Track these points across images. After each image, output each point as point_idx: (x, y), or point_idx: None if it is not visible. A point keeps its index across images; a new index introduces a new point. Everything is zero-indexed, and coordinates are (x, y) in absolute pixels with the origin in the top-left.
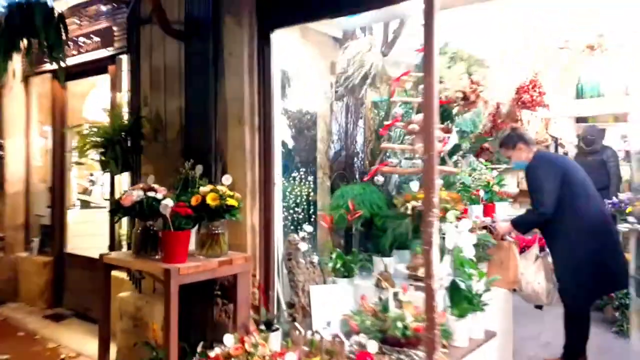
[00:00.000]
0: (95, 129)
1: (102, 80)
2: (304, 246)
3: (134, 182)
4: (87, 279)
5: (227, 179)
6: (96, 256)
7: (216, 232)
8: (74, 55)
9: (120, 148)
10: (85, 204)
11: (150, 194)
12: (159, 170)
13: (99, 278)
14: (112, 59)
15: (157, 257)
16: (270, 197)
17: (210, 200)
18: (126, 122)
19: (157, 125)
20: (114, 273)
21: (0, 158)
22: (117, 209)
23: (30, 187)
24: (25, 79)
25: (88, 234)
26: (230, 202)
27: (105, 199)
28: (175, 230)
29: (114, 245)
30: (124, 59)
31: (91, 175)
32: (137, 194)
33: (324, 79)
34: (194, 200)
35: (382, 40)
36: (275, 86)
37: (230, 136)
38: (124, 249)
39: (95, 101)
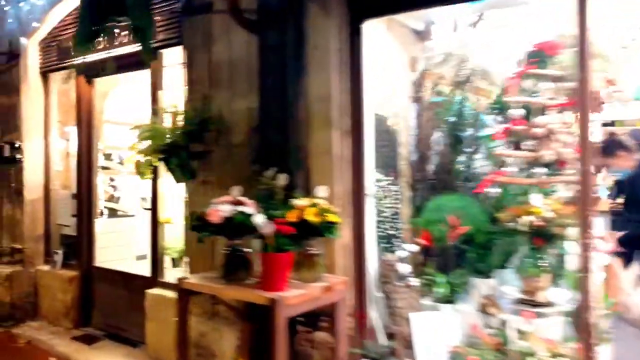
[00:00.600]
0: (152, 132)
1: (130, 78)
2: (404, 268)
3: (195, 191)
4: (119, 295)
5: (322, 190)
6: (129, 270)
7: (313, 252)
8: (107, 48)
9: (186, 154)
10: (112, 213)
11: (239, 208)
12: (223, 178)
13: (133, 295)
14: (153, 54)
15: (248, 281)
16: (362, 210)
17: (311, 216)
18: (189, 124)
19: (220, 128)
20: (161, 292)
21: (17, 162)
22: (202, 226)
23: (50, 193)
24: (44, 75)
25: (117, 245)
26: (331, 217)
27: (146, 209)
28: (275, 252)
29: (156, 261)
30: (167, 53)
31: (111, 180)
32: (227, 209)
33: (405, 76)
34: (292, 216)
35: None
36: (366, 84)
37: (314, 140)
38: (167, 264)
39: (119, 100)
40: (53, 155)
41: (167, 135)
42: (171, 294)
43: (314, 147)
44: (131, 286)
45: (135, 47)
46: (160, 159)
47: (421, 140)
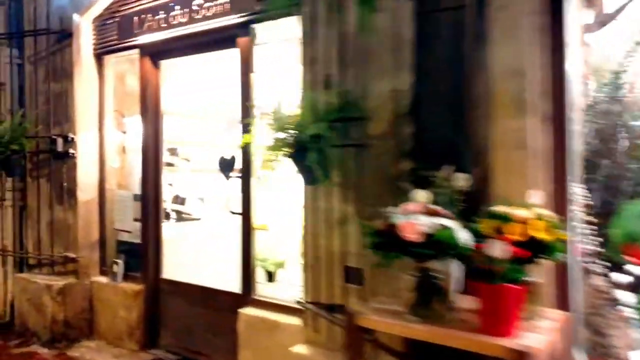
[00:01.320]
0: (281, 122)
1: (196, 61)
2: (621, 295)
3: (314, 195)
4: (196, 314)
5: (536, 196)
6: (204, 283)
7: (533, 280)
8: (181, 24)
9: (329, 148)
10: (179, 216)
11: (438, 220)
12: (357, 179)
13: (215, 314)
14: (244, 28)
15: (447, 318)
16: (565, 221)
17: (541, 232)
18: (332, 112)
19: (357, 116)
20: (258, 312)
21: (70, 157)
22: (389, 245)
23: (105, 194)
24: (98, 57)
25: (186, 253)
26: (561, 234)
27: (235, 213)
28: (506, 283)
29: (248, 275)
30: (260, 28)
31: (174, 179)
32: (427, 222)
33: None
34: (515, 233)
35: None
36: (571, 56)
37: (499, 129)
38: (260, 278)
39: (180, 87)
40: (108, 150)
41: (306, 125)
42: (272, 316)
43: (498, 139)
44: (213, 303)
45: (221, 22)
46: (290, 155)
47: (602, 131)
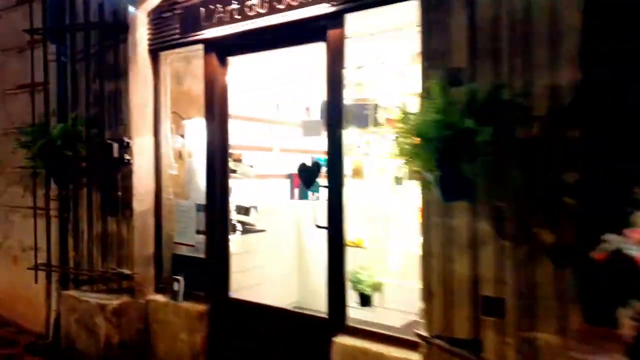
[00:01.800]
0: (419, 125)
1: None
2: None
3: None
4: (271, 339)
5: None
6: (278, 304)
7: None
8: (259, 14)
9: (488, 156)
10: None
11: None
12: (500, 190)
13: (295, 340)
14: (336, 19)
15: None
16: None
17: None
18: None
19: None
20: (365, 345)
21: (126, 163)
22: (614, 281)
23: (161, 204)
24: (153, 54)
25: (255, 270)
26: None
27: (320, 227)
28: None
29: (339, 297)
30: (351, 18)
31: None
32: None
33: None
34: None
35: None
36: None
37: None
38: (352, 301)
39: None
40: (165, 156)
41: (447, 126)
42: (375, 347)
43: None
44: (291, 328)
45: (309, 11)
46: (435, 164)
47: None
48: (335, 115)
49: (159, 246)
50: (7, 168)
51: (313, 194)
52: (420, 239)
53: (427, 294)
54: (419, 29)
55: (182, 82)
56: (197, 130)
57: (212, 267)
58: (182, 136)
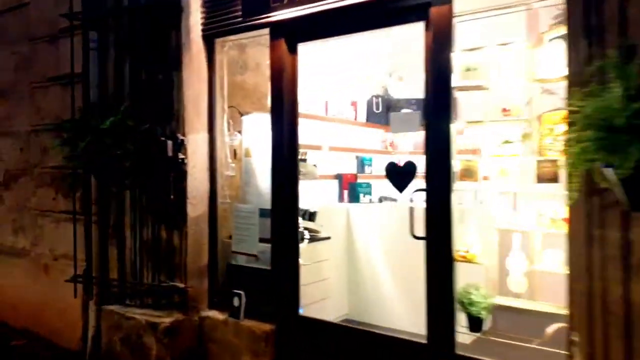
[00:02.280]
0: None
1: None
2: None
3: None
4: None
5: None
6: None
7: None
8: None
9: None
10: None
11: None
12: None
13: None
14: None
15: None
16: None
17: None
18: None
19: None
20: None
21: (180, 163)
22: None
23: (217, 209)
24: (208, 41)
25: (319, 282)
26: None
27: (418, 237)
28: None
29: (444, 319)
30: None
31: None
32: None
33: None
34: None
35: None
36: None
37: None
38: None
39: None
40: (221, 155)
41: None
42: None
43: None
44: (378, 354)
45: None
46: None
47: None
48: (439, 107)
49: (213, 256)
50: (35, 168)
51: (364, 196)
52: (567, 255)
53: (577, 321)
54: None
55: (235, 73)
56: (255, 126)
57: (279, 280)
58: (239, 133)
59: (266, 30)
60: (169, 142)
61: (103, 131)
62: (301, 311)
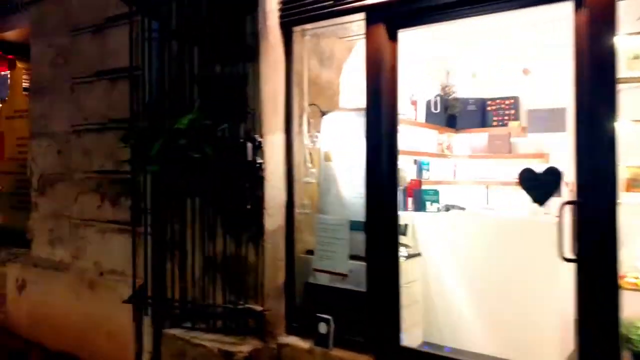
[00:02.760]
0: None
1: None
2: None
3: None
4: None
5: None
6: None
7: None
8: None
9: None
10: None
11: None
12: None
13: None
14: None
15: None
16: None
17: None
18: None
19: None
20: None
21: (257, 168)
22: None
23: (294, 220)
24: (285, 29)
25: (411, 306)
26: None
27: (569, 259)
28: None
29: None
30: None
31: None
32: None
33: None
34: None
35: None
36: None
37: None
38: None
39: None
40: (299, 159)
41: None
42: None
43: None
44: None
45: None
46: None
47: None
48: (598, 102)
49: (290, 274)
50: (76, 173)
51: (431, 204)
52: None
53: None
54: None
55: (309, 66)
56: (336, 126)
57: (376, 303)
58: (317, 134)
59: (347, 18)
60: (249, 145)
61: (177, 132)
62: (403, 340)
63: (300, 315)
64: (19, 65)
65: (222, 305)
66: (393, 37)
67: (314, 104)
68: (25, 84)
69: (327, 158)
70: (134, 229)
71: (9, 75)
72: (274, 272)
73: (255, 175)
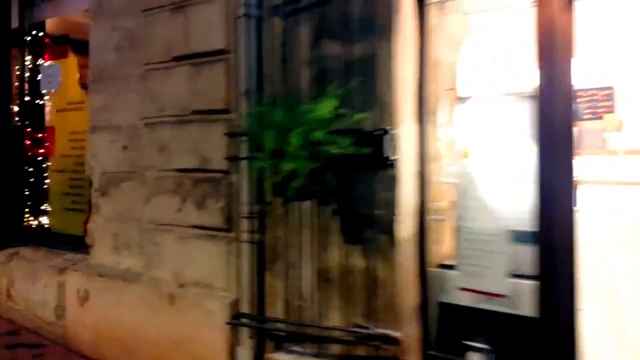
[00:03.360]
0: None
1: None
2: None
3: None
4: None
5: None
6: None
7: None
8: None
9: None
10: None
11: None
12: None
13: None
14: None
15: None
16: None
17: None
18: None
19: None
20: None
21: (388, 165)
22: None
23: (427, 227)
24: (420, 4)
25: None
26: None
27: None
28: None
29: None
30: None
31: None
32: None
33: None
34: None
35: None
36: None
37: None
38: None
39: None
40: (433, 155)
41: None
42: None
43: None
44: None
45: None
46: None
47: None
48: None
49: (424, 292)
50: (148, 171)
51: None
52: None
53: None
54: None
55: (431, 44)
56: (475, 116)
57: (550, 334)
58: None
59: None
60: (387, 139)
61: (314, 123)
62: None
63: (439, 341)
64: (71, 54)
65: (346, 329)
66: (569, 8)
67: (452, 89)
68: (79, 74)
69: (465, 154)
70: (236, 234)
71: (60, 65)
72: (407, 290)
73: (384, 174)
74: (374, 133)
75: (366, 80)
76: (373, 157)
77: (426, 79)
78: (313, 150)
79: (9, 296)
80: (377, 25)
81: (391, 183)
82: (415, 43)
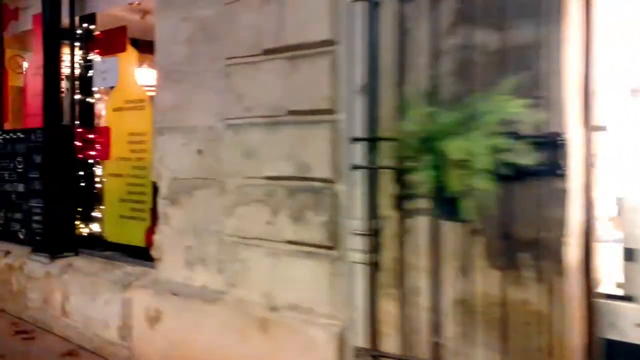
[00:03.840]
0: None
1: None
2: None
3: None
4: None
5: None
6: None
7: None
8: None
9: None
10: None
11: None
12: None
13: None
14: None
15: None
16: None
17: None
18: None
19: None
20: None
21: (557, 176)
22: None
23: (594, 250)
24: None
25: None
26: None
27: None
28: None
29: None
30: None
31: None
32: None
33: None
34: None
35: None
36: None
37: None
38: None
39: None
40: (601, 163)
41: None
42: None
43: None
44: None
45: None
46: None
47: None
48: None
49: (591, 329)
50: (230, 178)
51: None
52: None
53: None
54: None
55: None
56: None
57: None
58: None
59: None
60: (559, 144)
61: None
62: None
63: None
64: (130, 47)
65: None
66: None
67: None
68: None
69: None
70: (340, 253)
71: (117, 60)
72: (572, 326)
73: (549, 186)
74: (547, 138)
75: (525, 75)
76: (544, 167)
77: (596, 73)
78: (496, 160)
79: (64, 312)
80: (544, 8)
81: (562, 198)
82: (579, 30)
